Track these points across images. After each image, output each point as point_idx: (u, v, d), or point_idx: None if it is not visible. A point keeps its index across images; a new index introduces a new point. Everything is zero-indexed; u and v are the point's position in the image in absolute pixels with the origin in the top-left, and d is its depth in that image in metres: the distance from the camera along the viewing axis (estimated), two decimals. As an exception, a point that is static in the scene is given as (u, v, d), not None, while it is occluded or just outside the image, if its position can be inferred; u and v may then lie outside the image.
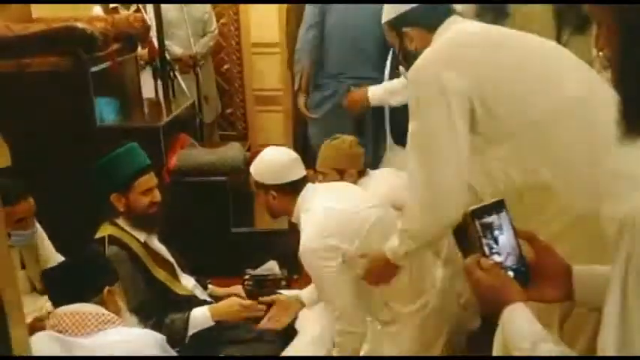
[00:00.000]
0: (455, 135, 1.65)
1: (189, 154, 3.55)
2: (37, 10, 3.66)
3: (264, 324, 2.60)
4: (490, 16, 2.48)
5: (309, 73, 3.91)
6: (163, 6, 4.01)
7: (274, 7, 5.26)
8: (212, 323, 2.50)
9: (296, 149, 2.84)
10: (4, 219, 0.99)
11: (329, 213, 2.27)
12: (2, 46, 3.01)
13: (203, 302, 2.62)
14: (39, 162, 2.95)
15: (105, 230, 2.51)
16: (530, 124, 1.62)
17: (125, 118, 3.67)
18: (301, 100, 4.00)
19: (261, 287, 3.01)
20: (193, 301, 2.58)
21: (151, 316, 2.37)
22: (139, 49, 3.92)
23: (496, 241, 1.18)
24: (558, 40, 2.49)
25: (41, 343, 1.74)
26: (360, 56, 3.78)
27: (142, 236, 2.55)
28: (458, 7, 2.58)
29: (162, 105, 3.97)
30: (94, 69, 3.15)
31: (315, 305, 2.57)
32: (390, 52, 3.35)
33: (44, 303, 2.47)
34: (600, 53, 1.01)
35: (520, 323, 1.10)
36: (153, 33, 3.95)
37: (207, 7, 4.90)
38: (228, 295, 2.72)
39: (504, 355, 1.11)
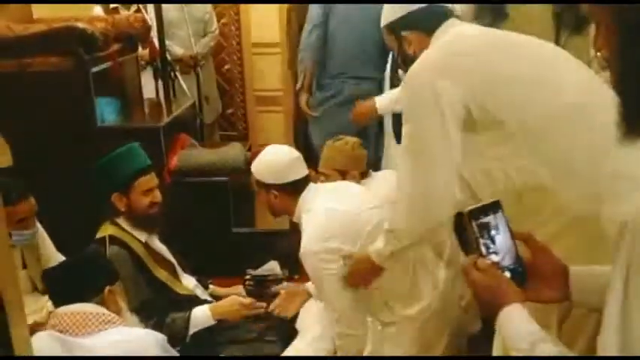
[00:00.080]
0: (447, 142, 1.68)
1: (190, 154, 3.55)
2: (38, 11, 3.66)
3: (271, 309, 2.61)
4: (489, 18, 2.48)
5: (311, 73, 3.96)
6: (164, 6, 4.01)
7: (275, 7, 5.26)
8: (213, 322, 2.50)
9: (297, 149, 2.84)
10: (5, 219, 0.99)
11: (330, 214, 2.26)
12: (3, 46, 3.02)
13: (204, 302, 2.62)
14: (40, 162, 2.95)
15: (106, 230, 2.51)
16: (529, 128, 1.62)
17: (126, 118, 3.67)
18: (303, 99, 4.05)
19: (262, 287, 3.01)
20: (194, 301, 2.58)
21: (152, 316, 2.38)
22: (140, 49, 3.92)
23: (493, 241, 1.18)
24: (557, 40, 2.48)
25: (42, 342, 1.75)
26: (361, 56, 3.81)
27: (142, 236, 2.56)
28: (457, 8, 2.59)
29: (163, 105, 3.97)
30: (95, 69, 3.16)
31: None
32: (391, 53, 3.35)
33: (45, 303, 2.47)
34: (598, 53, 1.01)
35: (517, 324, 1.10)
36: (153, 33, 3.95)
37: (208, 7, 4.90)
38: (229, 295, 2.72)
39: (504, 356, 1.11)
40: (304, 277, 2.64)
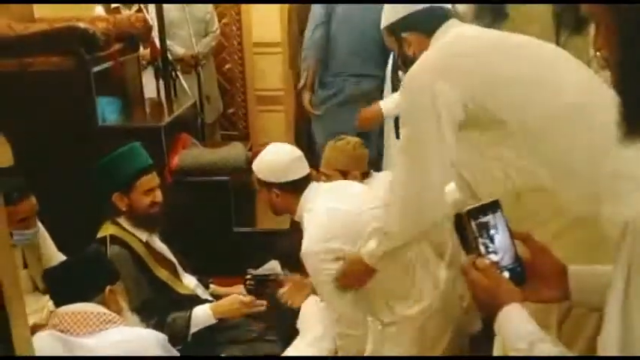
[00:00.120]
0: (442, 146, 1.69)
1: (191, 153, 3.55)
2: (39, 10, 3.66)
3: (279, 296, 2.61)
4: (489, 17, 2.48)
5: (314, 72, 3.98)
6: (165, 6, 4.01)
7: (276, 6, 5.26)
8: (214, 321, 2.50)
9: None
10: (6, 218, 0.99)
11: (332, 214, 2.25)
12: (4, 46, 3.02)
13: (205, 302, 2.62)
14: (41, 161, 2.95)
15: (106, 230, 2.52)
16: (529, 128, 1.62)
17: (127, 117, 3.68)
18: (306, 97, 4.06)
19: (263, 287, 3.01)
20: (195, 301, 2.58)
21: (153, 315, 2.38)
22: (141, 49, 3.92)
23: (492, 240, 1.18)
24: (557, 40, 2.48)
25: (43, 342, 1.75)
26: (363, 54, 3.82)
27: (143, 236, 2.56)
28: (458, 7, 2.59)
29: (164, 105, 3.97)
30: (96, 69, 3.16)
31: None
32: (392, 52, 3.35)
33: (46, 302, 2.47)
34: (598, 53, 1.00)
35: (516, 324, 1.10)
36: (155, 33, 3.95)
37: (209, 7, 4.90)
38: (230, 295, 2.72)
39: (504, 356, 1.11)
40: (305, 277, 2.64)
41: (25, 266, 2.60)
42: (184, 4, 4.56)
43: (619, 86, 0.95)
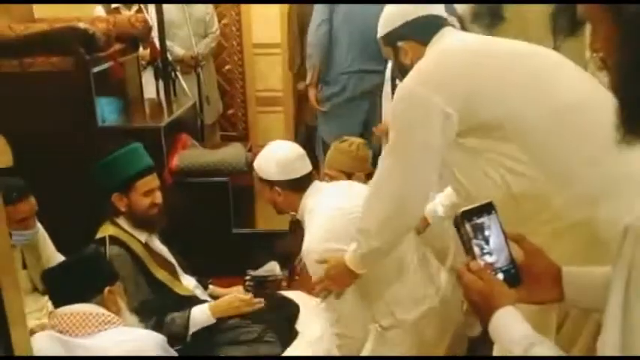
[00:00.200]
0: (433, 154, 1.72)
1: (191, 154, 3.55)
2: (39, 11, 3.66)
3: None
4: (486, 20, 2.48)
5: (319, 69, 4.04)
6: (165, 6, 4.02)
7: (276, 8, 5.27)
8: (213, 321, 2.50)
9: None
10: (5, 218, 0.99)
11: (335, 214, 2.22)
12: (4, 46, 3.02)
13: (204, 302, 2.61)
14: (40, 162, 2.95)
15: (106, 230, 2.51)
16: (526, 134, 1.63)
17: (126, 118, 3.68)
18: (312, 93, 4.12)
19: (262, 288, 3.02)
20: (194, 302, 2.57)
21: (152, 316, 2.37)
22: (141, 49, 3.92)
23: (487, 241, 1.18)
24: (554, 43, 2.49)
25: (42, 343, 1.75)
26: (365, 51, 3.85)
27: (142, 237, 2.56)
28: (458, 9, 2.59)
29: (164, 105, 3.98)
30: (96, 69, 3.16)
31: None
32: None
33: (45, 303, 2.47)
34: (594, 55, 1.00)
35: (510, 327, 1.09)
36: (154, 33, 3.95)
37: (209, 7, 4.90)
38: (229, 296, 2.72)
39: (504, 356, 1.11)
40: (305, 278, 2.64)
41: (24, 267, 2.60)
42: (184, 5, 4.56)
43: (617, 88, 0.94)
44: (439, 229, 2.44)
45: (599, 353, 0.94)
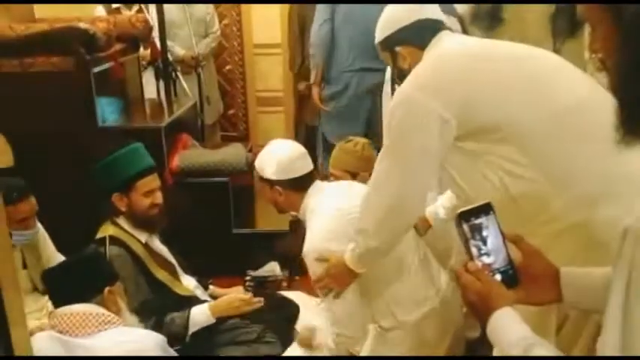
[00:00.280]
0: (431, 158, 1.72)
1: (191, 154, 3.56)
2: (40, 11, 3.66)
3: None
4: (485, 22, 2.49)
5: (322, 68, 4.08)
6: (166, 6, 4.02)
7: (276, 8, 5.28)
8: (212, 321, 2.49)
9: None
10: (5, 218, 0.99)
11: (335, 214, 2.22)
12: (5, 46, 3.02)
13: (204, 303, 2.61)
14: (41, 162, 2.95)
15: (106, 230, 2.51)
16: (525, 137, 1.63)
17: (127, 118, 3.68)
18: (316, 92, 4.17)
19: (262, 288, 3.02)
20: (194, 302, 2.57)
21: (152, 316, 2.37)
22: (141, 49, 3.92)
23: (485, 242, 1.18)
24: (553, 44, 2.49)
25: (42, 343, 1.75)
26: (366, 49, 3.86)
27: (143, 237, 2.56)
28: (458, 10, 2.59)
29: (164, 105, 3.98)
30: (97, 69, 3.16)
31: None
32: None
33: (45, 303, 2.47)
34: (593, 55, 1.00)
35: (508, 329, 1.09)
36: (155, 33, 3.95)
37: (210, 7, 4.90)
38: (229, 296, 2.72)
39: (504, 356, 1.10)
40: (305, 278, 2.64)
41: (25, 267, 2.60)
42: (185, 5, 4.57)
43: (616, 88, 0.94)
44: (441, 231, 2.44)
45: (599, 354, 0.94)
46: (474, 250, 1.18)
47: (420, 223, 2.37)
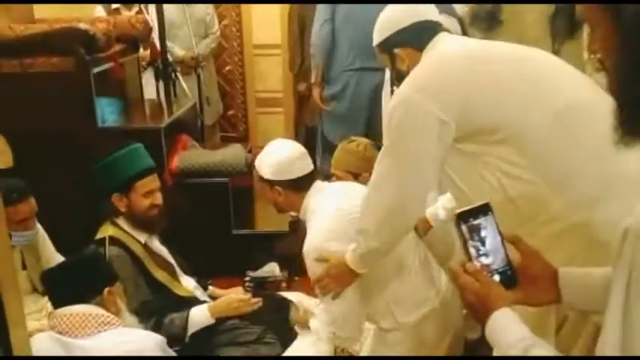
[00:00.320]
0: (430, 160, 1.73)
1: (191, 155, 3.55)
2: (39, 11, 3.66)
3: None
4: (484, 24, 2.49)
5: (323, 68, 4.10)
6: (165, 7, 4.02)
7: (276, 8, 5.28)
8: (212, 321, 2.49)
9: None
10: (5, 219, 0.99)
11: (335, 214, 2.20)
12: (5, 47, 3.02)
13: (203, 303, 2.61)
14: (40, 162, 2.95)
15: (105, 231, 2.51)
16: (524, 138, 1.63)
17: (127, 119, 3.68)
18: (317, 92, 4.18)
19: (262, 289, 3.02)
20: (193, 302, 2.57)
21: (151, 317, 2.37)
22: (141, 50, 3.92)
23: (483, 243, 1.18)
24: (552, 46, 2.49)
25: (41, 343, 1.75)
26: (366, 48, 3.86)
27: (142, 237, 2.56)
28: (458, 11, 2.59)
29: (164, 106, 3.98)
30: (96, 70, 3.16)
31: None
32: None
33: (45, 304, 2.47)
34: (592, 56, 1.00)
35: (507, 330, 1.09)
36: (155, 34, 3.95)
37: (210, 8, 4.90)
38: (228, 296, 2.72)
39: (503, 356, 1.10)
40: (304, 279, 2.64)
41: (24, 267, 2.60)
42: (184, 5, 4.57)
43: (616, 89, 0.94)
44: (441, 232, 2.44)
45: (599, 354, 0.94)
46: (472, 251, 1.18)
47: (421, 224, 2.37)
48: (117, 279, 2.04)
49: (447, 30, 1.93)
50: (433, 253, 2.36)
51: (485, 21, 2.51)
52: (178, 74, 4.30)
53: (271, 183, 2.33)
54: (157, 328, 2.30)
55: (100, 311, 1.86)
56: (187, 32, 4.56)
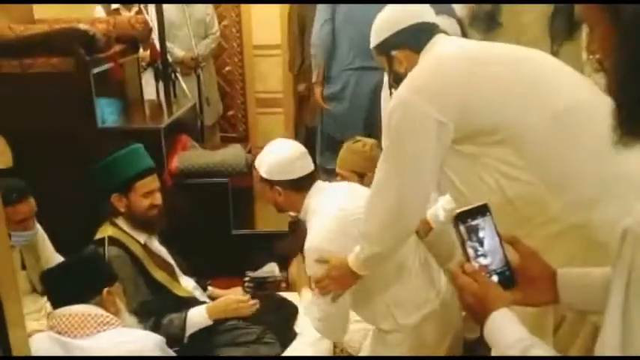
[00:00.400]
0: (429, 161, 1.73)
1: (191, 155, 3.55)
2: (39, 11, 3.66)
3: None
4: (483, 24, 2.49)
5: (324, 67, 4.14)
6: (165, 7, 4.02)
7: (276, 9, 5.28)
8: (210, 322, 2.49)
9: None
10: (4, 219, 0.99)
11: (337, 215, 2.19)
12: (4, 47, 3.02)
13: (202, 304, 2.61)
14: (40, 162, 2.95)
15: (105, 231, 2.51)
16: (522, 140, 1.63)
17: (126, 119, 3.68)
18: (318, 91, 4.22)
19: (262, 289, 3.02)
20: (193, 303, 2.57)
21: (151, 317, 2.37)
22: (141, 50, 3.92)
23: (481, 243, 1.18)
24: (551, 47, 2.49)
25: (41, 343, 1.75)
26: (366, 48, 3.87)
27: (142, 238, 2.56)
28: (457, 12, 2.59)
29: (164, 106, 3.98)
30: (96, 70, 3.16)
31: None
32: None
33: (44, 304, 2.47)
34: (591, 56, 1.00)
35: (505, 330, 1.09)
36: (154, 35, 3.95)
37: (209, 8, 4.91)
38: (228, 297, 2.72)
39: (502, 356, 1.10)
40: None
41: (24, 267, 2.60)
42: (184, 6, 4.57)
43: (615, 89, 0.94)
44: (442, 234, 2.44)
45: (598, 354, 0.94)
46: (470, 252, 1.18)
47: (421, 226, 2.37)
48: (116, 279, 2.04)
49: (444, 31, 1.93)
50: (434, 254, 2.36)
51: (485, 22, 2.51)
52: (178, 75, 4.30)
53: (271, 183, 2.32)
54: (155, 329, 2.30)
55: (100, 311, 1.86)
56: (187, 33, 4.56)
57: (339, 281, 2.10)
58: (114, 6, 4.55)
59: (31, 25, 3.29)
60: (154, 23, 3.94)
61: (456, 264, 1.19)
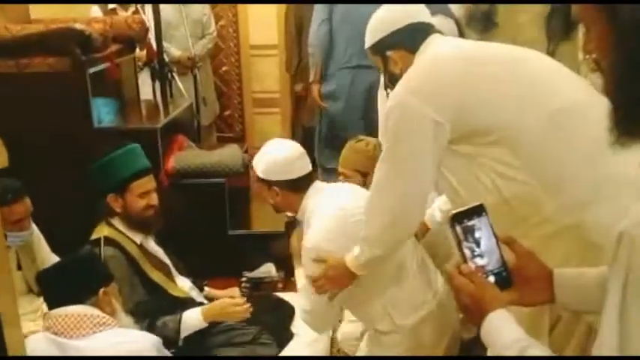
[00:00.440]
0: (427, 161, 1.73)
1: (187, 155, 3.55)
2: (35, 11, 3.66)
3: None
4: (480, 24, 2.49)
5: (322, 66, 4.17)
6: (162, 7, 4.01)
7: (273, 9, 5.28)
8: (205, 325, 2.47)
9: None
10: (0, 219, 0.99)
11: (336, 214, 2.19)
12: (0, 47, 3.01)
13: (199, 304, 2.60)
14: (36, 162, 2.94)
15: (101, 231, 2.51)
16: (518, 140, 1.63)
17: (123, 119, 3.67)
18: (316, 90, 4.24)
19: (258, 289, 3.02)
20: (189, 303, 2.57)
21: (146, 317, 2.36)
22: (137, 50, 3.92)
23: (478, 244, 1.18)
24: (548, 47, 2.50)
25: (37, 344, 1.75)
26: (363, 47, 3.88)
27: (138, 238, 2.55)
28: (455, 12, 2.60)
29: (160, 106, 3.97)
30: (92, 70, 3.15)
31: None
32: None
33: (40, 304, 2.47)
34: (587, 57, 1.00)
35: (502, 331, 1.09)
36: (151, 34, 3.95)
37: (206, 8, 4.90)
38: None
39: (501, 356, 1.10)
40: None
41: (19, 268, 2.60)
42: (181, 6, 4.56)
43: (611, 89, 0.94)
44: (439, 234, 2.44)
45: (595, 353, 0.94)
46: (467, 252, 1.17)
47: (418, 227, 2.37)
48: (112, 279, 2.03)
49: (439, 31, 1.93)
50: (431, 255, 2.36)
51: (481, 22, 2.51)
52: (175, 75, 4.29)
53: (269, 183, 2.31)
54: (149, 331, 2.29)
55: (96, 312, 1.86)
56: (184, 33, 4.55)
57: (335, 281, 2.10)
58: (111, 6, 4.54)
59: (28, 25, 3.29)
60: (150, 23, 3.94)
61: (453, 265, 1.19)
